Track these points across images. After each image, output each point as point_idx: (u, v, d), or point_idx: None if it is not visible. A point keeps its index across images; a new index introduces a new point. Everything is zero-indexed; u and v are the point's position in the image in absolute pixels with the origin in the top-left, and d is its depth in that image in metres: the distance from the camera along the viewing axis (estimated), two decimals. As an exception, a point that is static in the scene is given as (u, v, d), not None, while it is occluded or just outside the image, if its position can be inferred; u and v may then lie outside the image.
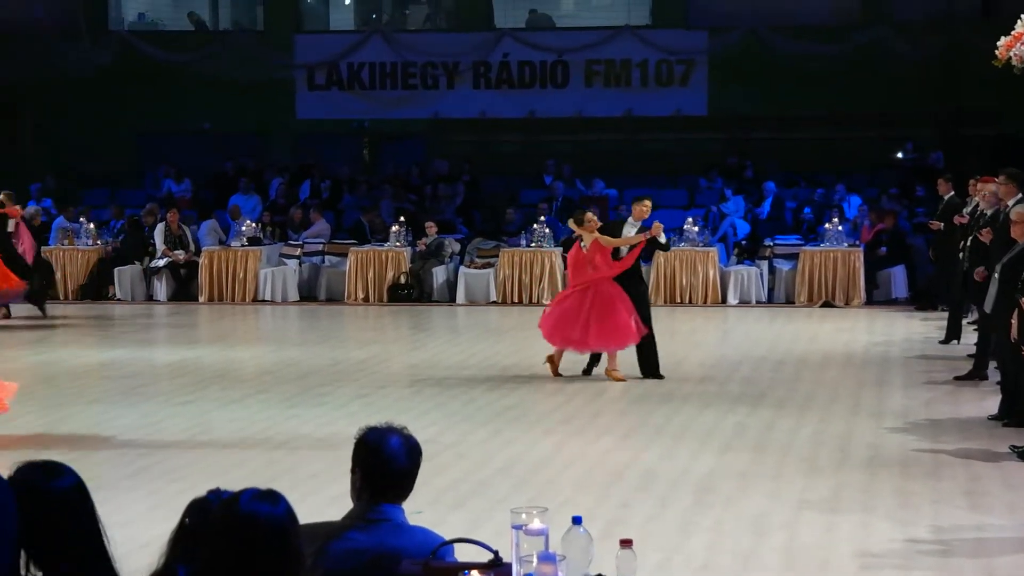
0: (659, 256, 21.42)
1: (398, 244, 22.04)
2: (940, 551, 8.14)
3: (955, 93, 25.27)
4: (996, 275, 11.82)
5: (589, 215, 14.54)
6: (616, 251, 14.34)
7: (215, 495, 4.32)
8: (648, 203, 14.70)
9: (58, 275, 22.72)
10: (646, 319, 14.19)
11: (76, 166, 27.52)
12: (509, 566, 4.20)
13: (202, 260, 22.26)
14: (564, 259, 21.46)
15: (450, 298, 21.89)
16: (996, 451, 10.71)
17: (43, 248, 22.99)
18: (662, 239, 14.61)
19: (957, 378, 14.12)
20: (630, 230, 14.44)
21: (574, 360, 14.68)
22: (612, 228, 14.60)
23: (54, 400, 13.31)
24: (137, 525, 8.15)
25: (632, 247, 14.33)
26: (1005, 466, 10.26)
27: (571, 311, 14.22)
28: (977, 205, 15.58)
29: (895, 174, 25.36)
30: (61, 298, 22.29)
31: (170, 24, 28.79)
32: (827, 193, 24.05)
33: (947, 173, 19.04)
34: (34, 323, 19.83)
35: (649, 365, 14.37)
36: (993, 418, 11.79)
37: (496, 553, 4.31)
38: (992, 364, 13.47)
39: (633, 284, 14.37)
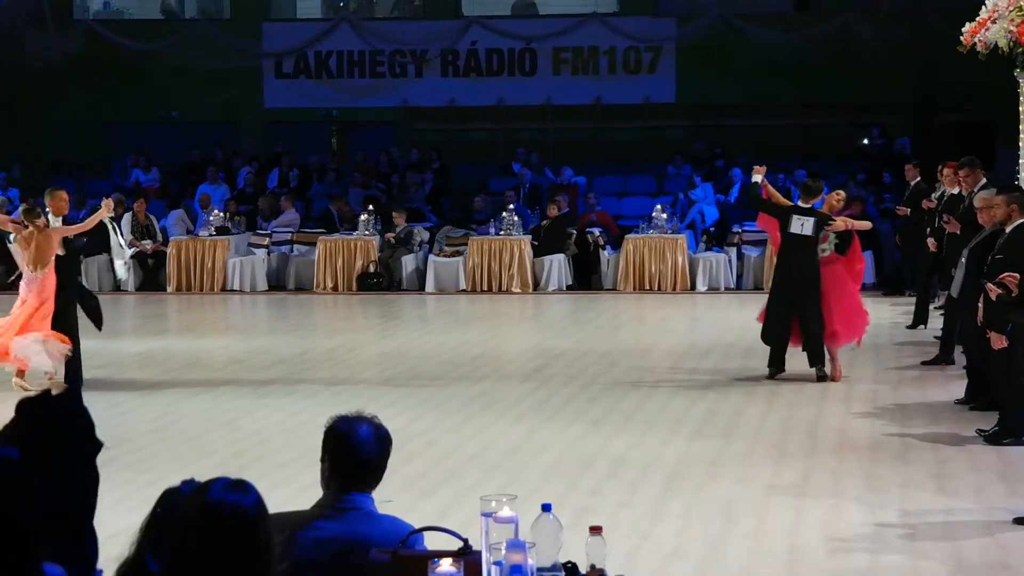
0: (628, 243, 21.47)
1: (367, 233, 22.00)
2: (908, 535, 8.19)
3: (922, 80, 25.37)
4: (963, 260, 11.88)
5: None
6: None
7: (188, 485, 4.31)
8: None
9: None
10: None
11: (43, 155, 27.37)
12: (479, 554, 4.21)
13: (170, 250, 22.17)
14: (533, 247, 21.53)
15: (419, 287, 21.87)
16: (963, 435, 10.78)
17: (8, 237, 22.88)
18: (758, 178, 13.74)
19: (924, 363, 14.19)
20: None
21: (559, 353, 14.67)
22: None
23: (22, 391, 13.23)
24: (106, 515, 8.10)
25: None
26: (972, 450, 10.33)
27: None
28: (944, 191, 15.67)
29: (862, 161, 25.45)
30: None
31: (135, 13, 28.66)
32: (794, 180, 24.09)
33: (914, 159, 19.13)
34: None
35: None
36: (960, 402, 11.87)
37: (466, 541, 4.31)
38: (959, 349, 13.55)
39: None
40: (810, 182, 13.88)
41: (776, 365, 13.43)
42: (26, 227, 13.40)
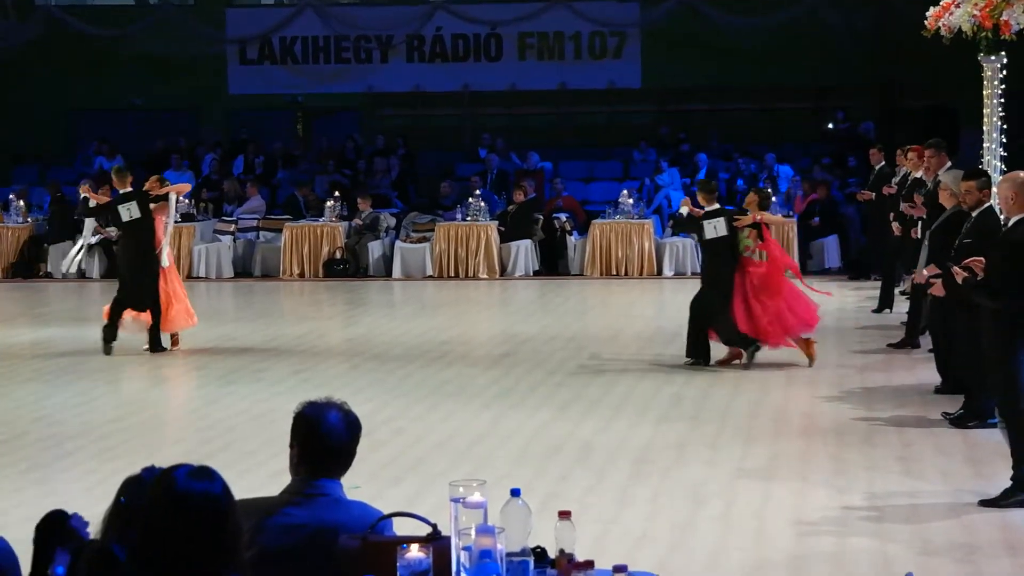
0: (595, 228, 21.49)
1: (333, 219, 21.94)
2: (875, 517, 8.23)
3: (887, 64, 25.45)
4: (926, 242, 11.93)
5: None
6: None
7: (149, 472, 4.29)
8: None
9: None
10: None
11: (6, 144, 27.16)
12: (448, 539, 4.21)
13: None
14: (500, 232, 21.52)
15: (386, 273, 21.84)
16: (929, 418, 10.83)
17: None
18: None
19: (890, 345, 14.26)
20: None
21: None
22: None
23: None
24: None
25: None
26: (938, 432, 10.38)
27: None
28: (907, 175, 15.72)
29: (827, 145, 25.53)
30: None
31: (98, -1, 28.48)
32: (759, 164, 24.17)
33: (879, 143, 19.20)
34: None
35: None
36: (940, 391, 11.70)
37: (435, 527, 4.31)
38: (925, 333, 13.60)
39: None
40: (706, 182, 14.07)
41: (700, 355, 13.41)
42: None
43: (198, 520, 3.69)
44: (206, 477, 3.75)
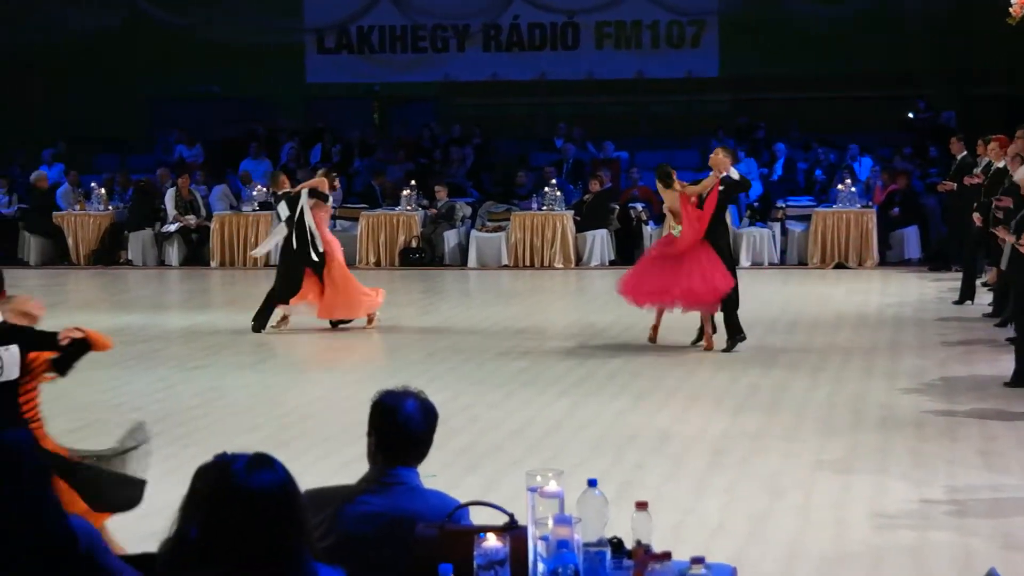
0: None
1: (409, 208, 21.99)
2: (955, 511, 8.12)
3: (968, 51, 25.10)
4: (1012, 232, 11.76)
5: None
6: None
7: (223, 459, 4.31)
8: (718, 150, 14.20)
9: (70, 241, 22.76)
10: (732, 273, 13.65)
11: (87, 132, 27.49)
12: (524, 529, 4.19)
13: (214, 225, 22.26)
14: (576, 222, 21.49)
15: (462, 262, 21.86)
16: (1011, 411, 10.68)
17: (54, 213, 23.04)
18: (735, 175, 13.99)
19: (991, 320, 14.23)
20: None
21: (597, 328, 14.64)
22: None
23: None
24: (151, 490, 8.15)
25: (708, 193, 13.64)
26: (1020, 426, 10.23)
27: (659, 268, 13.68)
28: (989, 164, 15.51)
29: (908, 134, 25.24)
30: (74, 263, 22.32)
31: (178, -13, 28.72)
32: (839, 155, 23.95)
33: (959, 132, 18.95)
34: (46, 289, 19.83)
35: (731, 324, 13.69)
36: (1008, 385, 11.61)
37: (511, 516, 4.30)
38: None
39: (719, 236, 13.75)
40: (661, 168, 14.12)
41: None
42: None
43: (256, 509, 3.69)
44: (264, 466, 3.75)
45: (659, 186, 14.05)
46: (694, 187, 13.84)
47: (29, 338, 6.72)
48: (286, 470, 3.76)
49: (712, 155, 14.07)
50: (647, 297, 13.81)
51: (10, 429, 4.18)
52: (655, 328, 13.95)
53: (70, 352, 6.81)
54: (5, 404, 6.55)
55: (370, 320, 15.45)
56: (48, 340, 6.74)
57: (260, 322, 15.20)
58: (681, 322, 14.08)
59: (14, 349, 6.58)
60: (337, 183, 15.73)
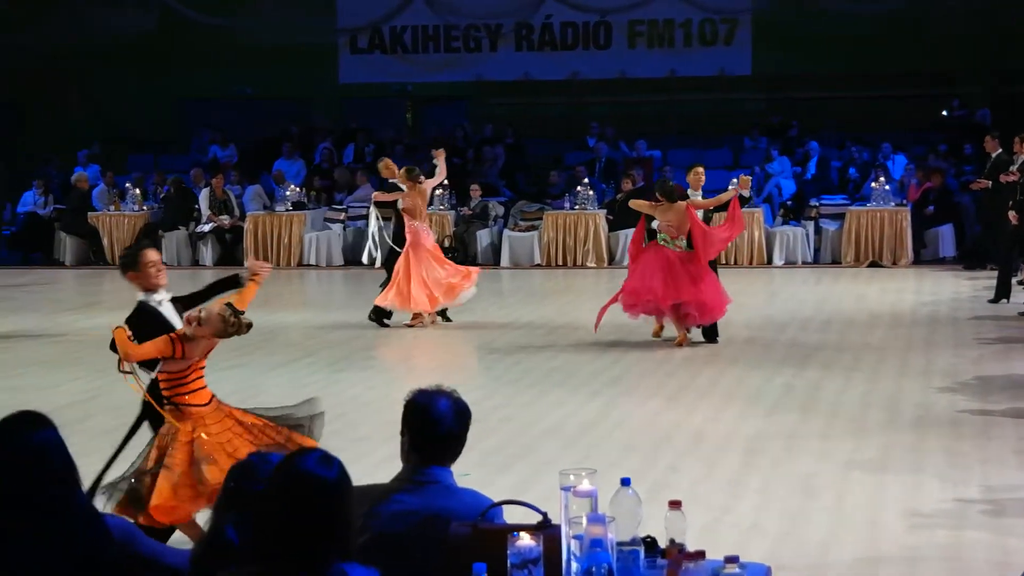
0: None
1: (442, 207, 22.01)
2: (991, 511, 8.07)
3: (1003, 49, 24.97)
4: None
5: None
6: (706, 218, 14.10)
7: (257, 458, 4.35)
8: (700, 168, 14.53)
9: (104, 241, 22.88)
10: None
11: (122, 132, 27.65)
12: (558, 528, 4.19)
13: (247, 225, 22.34)
14: (608, 221, 21.45)
15: (494, 261, 21.87)
16: (1047, 410, 10.62)
17: (89, 214, 23.18)
18: (746, 193, 14.32)
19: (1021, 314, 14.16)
20: (694, 198, 14.17)
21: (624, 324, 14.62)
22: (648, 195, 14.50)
23: (101, 365, 13.35)
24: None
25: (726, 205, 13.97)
26: (1056, 425, 10.17)
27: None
28: (1025, 162, 15.43)
29: (942, 132, 25.12)
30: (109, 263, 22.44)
31: (212, -12, 28.85)
32: (872, 153, 23.85)
33: (994, 130, 18.84)
34: (82, 289, 19.97)
35: (709, 329, 14.08)
36: None
37: (545, 515, 4.30)
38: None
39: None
40: (667, 184, 14.26)
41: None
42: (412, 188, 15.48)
43: (308, 502, 3.73)
44: (326, 464, 3.80)
45: (659, 201, 13.94)
46: (704, 201, 14.13)
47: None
48: (343, 469, 3.82)
49: (696, 173, 14.41)
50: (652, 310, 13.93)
51: (39, 430, 4.19)
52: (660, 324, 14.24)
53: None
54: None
55: (415, 318, 15.54)
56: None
57: (379, 316, 15.63)
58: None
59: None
60: (422, 178, 15.85)
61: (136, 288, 7.62)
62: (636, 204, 14.44)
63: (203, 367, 7.31)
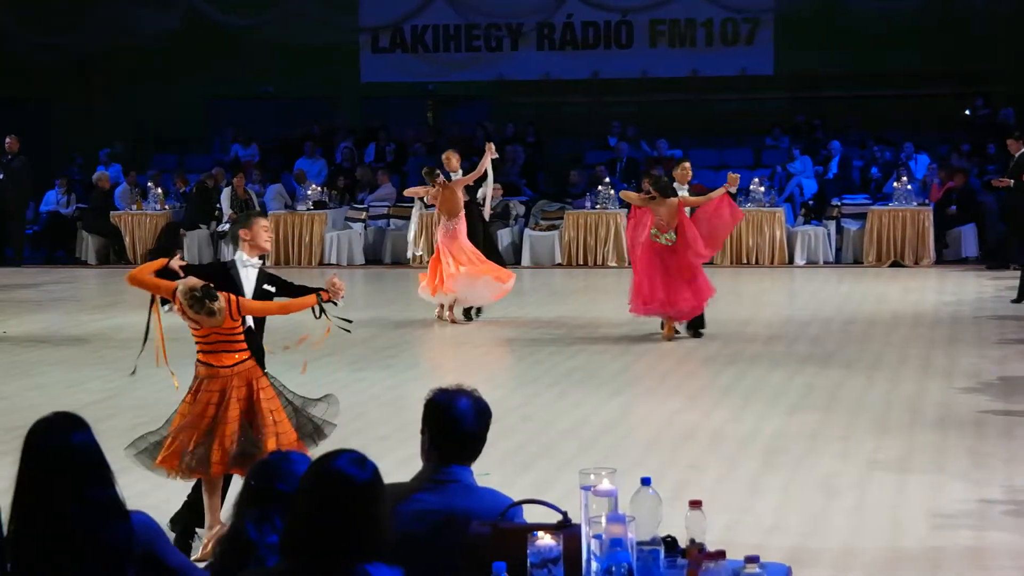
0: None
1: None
2: (1014, 511, 8.05)
3: (1026, 48, 24.87)
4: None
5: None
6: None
7: (278, 456, 4.36)
8: (687, 164, 14.87)
9: (127, 239, 22.95)
10: None
11: (144, 132, 27.73)
12: (578, 527, 4.19)
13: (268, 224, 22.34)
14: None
15: (515, 260, 21.85)
16: (1070, 411, 10.57)
17: (111, 213, 23.25)
18: (734, 190, 14.59)
19: None
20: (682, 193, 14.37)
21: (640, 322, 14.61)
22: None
23: (123, 364, 13.41)
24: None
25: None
26: (1079, 426, 10.12)
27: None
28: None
29: (966, 132, 25.02)
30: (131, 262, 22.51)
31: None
32: (894, 152, 23.77)
33: (1017, 131, 18.77)
34: (104, 288, 20.02)
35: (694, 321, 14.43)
36: None
37: (565, 514, 4.30)
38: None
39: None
40: (661, 180, 14.37)
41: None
42: (433, 186, 15.62)
43: (338, 502, 3.73)
44: (358, 465, 3.80)
45: (653, 196, 14.10)
46: (694, 198, 14.34)
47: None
48: (375, 470, 3.83)
49: (683, 169, 14.67)
50: (655, 309, 14.17)
51: (75, 432, 4.21)
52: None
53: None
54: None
55: (446, 309, 15.76)
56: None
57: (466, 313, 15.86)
58: (736, 321, 14.00)
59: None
60: (441, 177, 16.01)
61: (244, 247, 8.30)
62: (627, 196, 14.77)
63: (240, 330, 7.79)
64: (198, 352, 7.71)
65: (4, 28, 25.61)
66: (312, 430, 7.88)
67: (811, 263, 21.12)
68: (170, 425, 7.67)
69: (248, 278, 8.24)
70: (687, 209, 14.20)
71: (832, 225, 21.51)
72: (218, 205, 22.85)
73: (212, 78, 27.46)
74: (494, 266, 15.92)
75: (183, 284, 7.45)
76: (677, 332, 14.28)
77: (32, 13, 26.50)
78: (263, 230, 8.36)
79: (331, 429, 7.99)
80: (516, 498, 4.56)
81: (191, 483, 7.79)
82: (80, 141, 26.98)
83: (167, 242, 22.90)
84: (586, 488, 4.20)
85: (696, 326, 14.37)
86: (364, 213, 22.94)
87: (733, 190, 14.48)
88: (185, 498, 7.85)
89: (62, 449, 4.13)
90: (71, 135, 27.53)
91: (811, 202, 22.44)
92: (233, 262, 8.27)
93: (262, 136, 26.84)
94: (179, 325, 7.84)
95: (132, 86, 27.54)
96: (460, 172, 16.13)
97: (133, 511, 4.32)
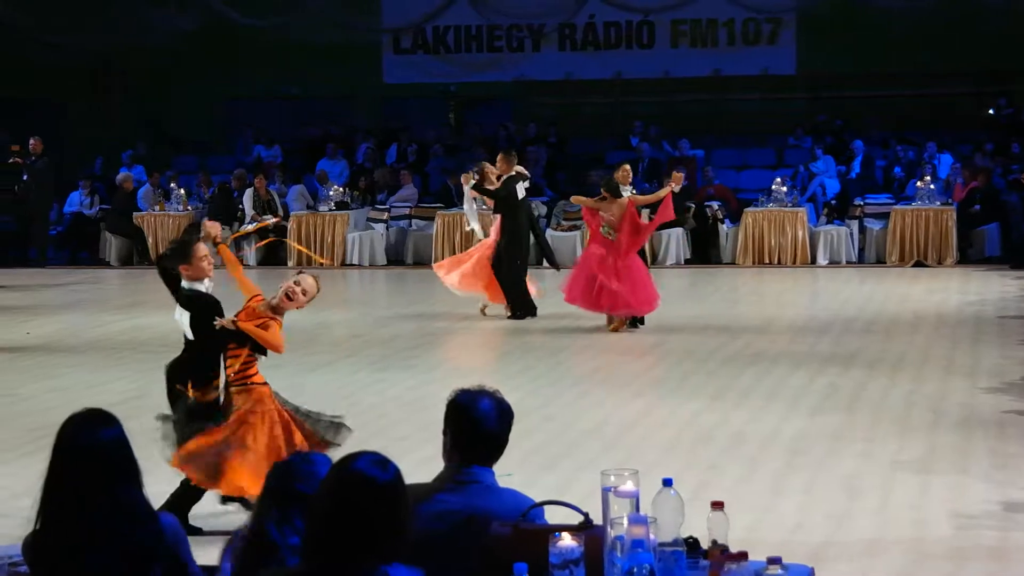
0: (747, 216, 21.26)
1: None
2: (1037, 513, 8.01)
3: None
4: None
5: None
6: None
7: (299, 458, 4.37)
8: (627, 166, 15.63)
9: (150, 240, 23.01)
10: None
11: (166, 133, 27.80)
12: (600, 528, 4.18)
13: (290, 225, 22.42)
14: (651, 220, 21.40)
15: (536, 261, 21.81)
16: (1094, 411, 10.52)
17: (134, 214, 23.32)
18: (677, 189, 15.12)
19: None
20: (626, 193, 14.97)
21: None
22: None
23: (145, 365, 13.44)
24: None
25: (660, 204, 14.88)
26: (1104, 427, 10.07)
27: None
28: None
29: (989, 131, 24.92)
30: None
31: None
32: (917, 152, 23.69)
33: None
34: (127, 289, 20.08)
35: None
36: None
37: (586, 515, 4.29)
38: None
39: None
40: (612, 181, 14.97)
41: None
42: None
43: (359, 507, 3.73)
44: (379, 466, 3.80)
45: (604, 197, 14.72)
46: (643, 197, 15.30)
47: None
48: (397, 471, 3.83)
49: (623, 171, 15.39)
50: (592, 303, 14.75)
51: (105, 428, 4.23)
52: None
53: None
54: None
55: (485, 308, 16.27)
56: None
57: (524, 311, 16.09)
58: (758, 321, 13.96)
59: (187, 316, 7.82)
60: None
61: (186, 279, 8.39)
62: (578, 200, 15.66)
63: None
64: (233, 378, 7.96)
65: (21, 29, 25.70)
66: (330, 431, 7.97)
67: (834, 263, 21.07)
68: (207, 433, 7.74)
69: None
70: (646, 211, 15.26)
71: (855, 225, 21.46)
72: (240, 206, 22.90)
73: (234, 79, 27.51)
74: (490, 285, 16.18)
75: (309, 284, 8.10)
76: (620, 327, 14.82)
77: (48, 14, 26.57)
78: (203, 260, 8.47)
79: (348, 433, 8.14)
80: (537, 499, 4.56)
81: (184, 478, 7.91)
82: (97, 143, 27.04)
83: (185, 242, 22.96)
84: (608, 489, 4.19)
85: (636, 321, 14.99)
86: (386, 214, 22.97)
87: (677, 189, 15.00)
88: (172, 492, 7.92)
89: (93, 445, 4.15)
90: (93, 137, 27.60)
91: (834, 202, 22.39)
92: (202, 291, 8.57)
93: (284, 137, 26.89)
94: (174, 330, 8.00)
95: (152, 87, 27.61)
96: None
97: (161, 512, 4.33)
